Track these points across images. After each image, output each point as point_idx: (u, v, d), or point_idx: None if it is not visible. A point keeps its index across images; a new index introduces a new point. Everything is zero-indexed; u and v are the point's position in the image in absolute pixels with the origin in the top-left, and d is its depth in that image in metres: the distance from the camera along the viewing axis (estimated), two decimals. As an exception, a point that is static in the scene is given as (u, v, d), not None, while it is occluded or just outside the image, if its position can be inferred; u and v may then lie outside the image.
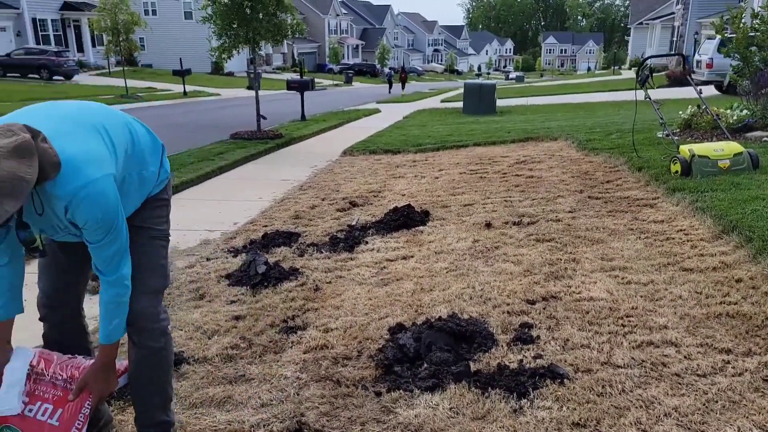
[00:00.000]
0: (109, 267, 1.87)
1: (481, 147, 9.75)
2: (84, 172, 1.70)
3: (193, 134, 12.35)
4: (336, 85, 40.50)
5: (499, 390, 2.51)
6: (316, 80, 21.68)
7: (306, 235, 5.10)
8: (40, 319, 2.17)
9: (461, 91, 20.64)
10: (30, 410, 1.90)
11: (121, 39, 21.31)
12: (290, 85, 15.42)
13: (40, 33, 32.34)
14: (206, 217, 5.92)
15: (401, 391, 2.58)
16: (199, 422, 2.42)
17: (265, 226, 5.51)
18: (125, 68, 24.37)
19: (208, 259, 4.60)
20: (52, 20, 33.13)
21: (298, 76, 18.91)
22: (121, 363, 2.10)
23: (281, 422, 2.40)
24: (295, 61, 50.82)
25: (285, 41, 12.22)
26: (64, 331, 2.17)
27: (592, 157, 7.54)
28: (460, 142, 10.29)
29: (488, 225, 4.96)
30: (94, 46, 35.45)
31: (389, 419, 2.40)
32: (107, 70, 31.73)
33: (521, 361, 2.75)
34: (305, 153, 10.39)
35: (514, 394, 2.48)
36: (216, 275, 4.20)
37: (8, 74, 27.48)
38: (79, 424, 1.90)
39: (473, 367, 2.73)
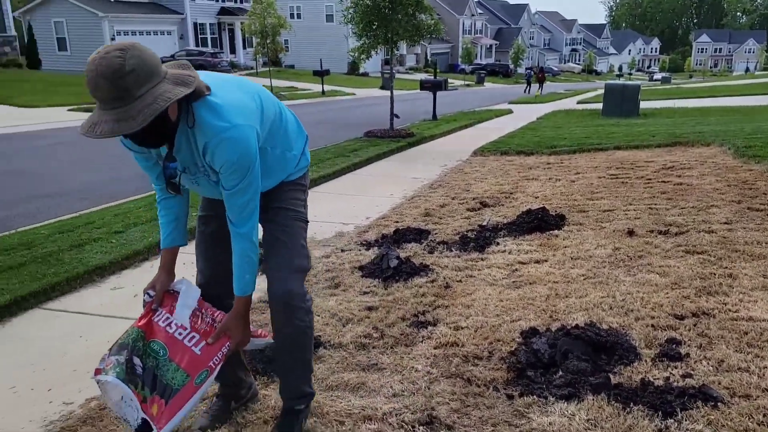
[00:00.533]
0: (240, 216, 1.94)
1: (622, 151, 9.22)
2: (230, 116, 1.82)
3: (330, 131, 12.86)
4: (467, 85, 40.27)
5: (642, 407, 2.36)
6: (449, 80, 21.68)
7: (436, 233, 5.11)
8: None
9: (600, 92, 19.67)
10: (180, 333, 2.01)
11: (268, 41, 22.73)
12: (423, 85, 15.56)
13: (199, 36, 35.39)
14: (341, 211, 6.14)
15: (535, 396, 2.51)
16: (334, 404, 2.52)
17: (396, 222, 5.60)
18: (271, 69, 25.95)
19: (342, 251, 4.77)
20: (210, 24, 36.12)
21: (431, 77, 19.04)
22: (259, 329, 2.24)
23: (412, 413, 2.43)
24: (427, 61, 51.25)
25: (420, 42, 12.34)
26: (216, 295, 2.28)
27: (752, 165, 6.85)
28: (598, 145, 9.80)
29: (631, 233, 4.68)
30: (244, 48, 38.13)
31: (522, 423, 2.34)
32: (255, 71, 33.99)
33: (668, 378, 2.56)
34: (436, 152, 10.44)
35: (660, 413, 2.32)
36: (350, 266, 4.34)
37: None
38: (216, 360, 2.01)
39: (613, 380, 2.58)
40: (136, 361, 1.92)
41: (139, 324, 2.01)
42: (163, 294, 2.07)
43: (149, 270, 4.25)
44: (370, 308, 3.55)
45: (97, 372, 1.90)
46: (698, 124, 12.10)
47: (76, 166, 8.82)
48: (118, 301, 3.69)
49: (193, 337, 2.01)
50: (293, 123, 2.18)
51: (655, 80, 56.72)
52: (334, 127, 13.38)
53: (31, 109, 16.02)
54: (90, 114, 1.68)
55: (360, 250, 4.75)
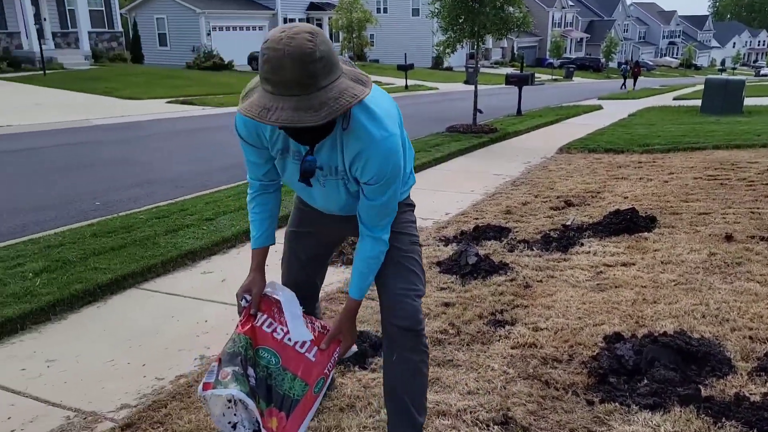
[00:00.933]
0: (380, 224, 1.83)
1: (722, 150, 8.67)
2: (386, 123, 1.69)
3: (412, 126, 12.83)
4: (555, 80, 39.09)
5: (735, 422, 2.22)
6: (536, 75, 21.13)
7: (517, 231, 5.02)
8: None
9: (699, 87, 18.52)
10: (289, 340, 1.90)
11: (354, 36, 23.06)
12: (509, 80, 15.26)
13: (288, 31, 36.42)
14: (420, 206, 6.06)
15: (617, 404, 2.42)
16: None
17: (476, 218, 5.54)
18: (356, 63, 26.29)
19: (420, 246, 4.77)
20: (299, 19, 37.06)
21: (517, 71, 18.63)
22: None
23: (487, 412, 2.40)
24: (514, 55, 50.20)
25: (507, 35, 12.09)
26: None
27: None
28: (696, 143, 9.26)
29: (729, 238, 4.39)
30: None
31: (602, 431, 2.27)
32: (339, 65, 34.50)
33: (766, 395, 2.39)
34: (519, 148, 10.22)
35: (755, 430, 2.17)
36: (428, 261, 4.34)
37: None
38: (330, 366, 1.92)
39: (704, 392, 2.44)
40: (250, 371, 1.81)
41: (243, 330, 1.88)
42: (259, 297, 1.97)
43: (236, 256, 4.43)
44: (446, 304, 3.53)
45: (207, 387, 1.74)
46: (811, 123, 11.16)
47: (172, 156, 9.33)
48: (207, 285, 3.88)
49: (304, 343, 1.91)
50: (405, 138, 1.95)
51: (762, 75, 52.77)
52: (416, 122, 13.37)
53: (133, 101, 17.07)
54: (246, 97, 1.59)
55: (438, 246, 4.74)
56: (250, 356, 1.83)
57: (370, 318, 3.31)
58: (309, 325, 1.97)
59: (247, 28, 34.67)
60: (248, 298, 1.95)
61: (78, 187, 6.88)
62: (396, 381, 2.00)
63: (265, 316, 1.93)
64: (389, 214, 1.85)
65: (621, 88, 29.96)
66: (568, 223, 5.17)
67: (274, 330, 1.90)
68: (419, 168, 8.25)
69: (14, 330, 3.13)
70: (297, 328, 1.92)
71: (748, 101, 16.11)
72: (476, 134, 11.26)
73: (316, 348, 1.92)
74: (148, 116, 14.40)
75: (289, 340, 1.90)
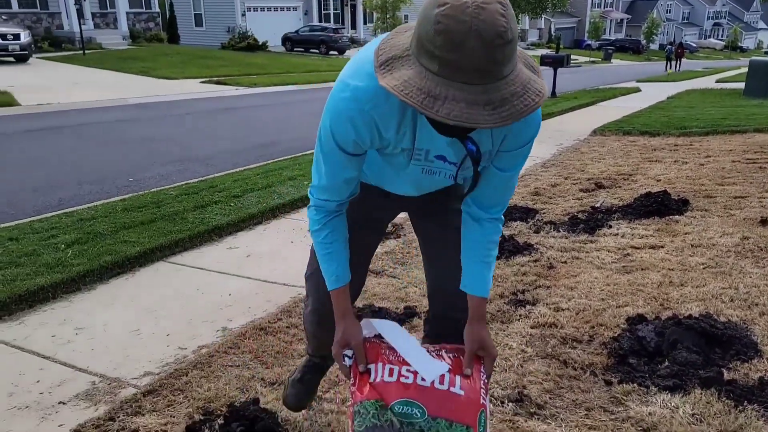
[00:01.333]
0: (504, 198, 1.57)
1: (763, 134, 8.38)
2: None
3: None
4: (593, 62, 38.21)
5: (758, 406, 2.17)
6: (572, 57, 20.66)
7: (544, 213, 4.95)
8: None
9: (743, 70, 17.87)
10: (423, 380, 1.49)
11: (387, 16, 22.88)
12: (544, 60, 14.98)
13: (322, 11, 36.31)
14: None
15: (635, 384, 2.39)
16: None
17: (504, 199, 5.48)
18: (388, 44, 26.13)
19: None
20: (333, 0, 36.89)
21: (553, 52, 18.27)
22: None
23: (503, 389, 2.40)
24: (551, 36, 49.16)
25: (543, 15, 11.82)
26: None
27: None
28: (736, 126, 8.97)
29: (764, 222, 4.26)
30: (365, 23, 38.63)
31: (618, 411, 2.24)
32: (373, 46, 34.33)
33: (791, 380, 2.33)
34: (552, 130, 10.04)
35: (777, 416, 2.12)
36: (452, 241, 4.32)
37: (294, 49, 31.48)
38: (483, 393, 1.52)
39: (726, 375, 2.39)
40: None
41: (364, 395, 1.48)
42: (363, 347, 1.54)
43: (262, 233, 4.49)
44: (469, 283, 3.52)
45: None
46: None
47: (204, 135, 9.46)
48: (232, 260, 3.94)
49: (443, 377, 1.49)
50: None
51: (813, 57, 50.58)
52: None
53: (168, 80, 17.32)
54: (388, 69, 1.18)
55: (464, 226, 4.71)
56: (388, 420, 1.45)
57: (390, 295, 3.33)
58: (435, 353, 1.56)
59: (282, 9, 34.70)
60: (350, 354, 1.54)
61: (113, 164, 7.04)
62: None
63: (380, 364, 1.51)
64: (514, 187, 1.59)
65: (666, 70, 29.09)
66: (597, 205, 5.08)
67: (400, 376, 1.49)
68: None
69: (46, 298, 3.24)
70: (424, 363, 1.51)
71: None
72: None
73: (459, 378, 1.50)
74: (182, 96, 14.60)
75: (423, 380, 1.48)
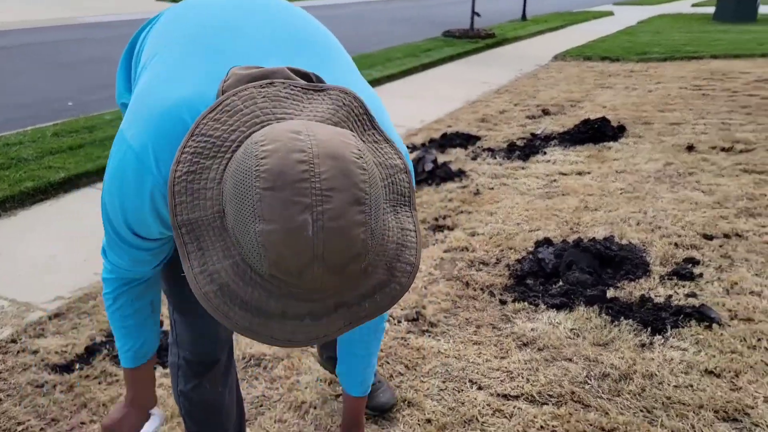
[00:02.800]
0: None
1: (719, 60, 8.39)
2: None
3: (408, 30, 12.46)
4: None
5: (632, 321, 2.32)
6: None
7: (486, 139, 4.99)
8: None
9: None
10: None
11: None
12: (513, -18, 14.55)
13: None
14: (396, 113, 6.04)
15: (526, 303, 2.52)
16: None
17: (449, 126, 5.49)
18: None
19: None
20: None
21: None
22: None
23: (402, 310, 2.51)
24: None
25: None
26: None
27: None
28: (695, 53, 8.94)
29: (690, 148, 4.35)
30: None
31: (505, 327, 2.37)
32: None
33: (670, 297, 2.47)
34: (514, 56, 9.93)
35: (649, 329, 2.27)
36: (387, 167, 4.36)
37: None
38: None
39: (612, 293, 2.53)
40: None
41: None
42: None
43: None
44: (393, 208, 3.59)
45: None
46: (822, 32, 10.69)
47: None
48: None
49: None
50: None
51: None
52: (413, 26, 12.96)
53: None
54: (203, 271, 0.79)
55: (403, 152, 4.74)
56: None
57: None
58: None
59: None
60: None
61: (55, 87, 6.84)
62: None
63: None
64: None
65: None
66: (538, 132, 5.13)
67: None
68: (406, 73, 8.09)
69: (-35, 226, 3.25)
70: None
71: (766, 8, 15.35)
72: (472, 39, 10.91)
73: None
74: (139, 14, 14.00)
75: None
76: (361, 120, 0.89)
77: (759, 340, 2.15)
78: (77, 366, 2.13)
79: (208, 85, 0.93)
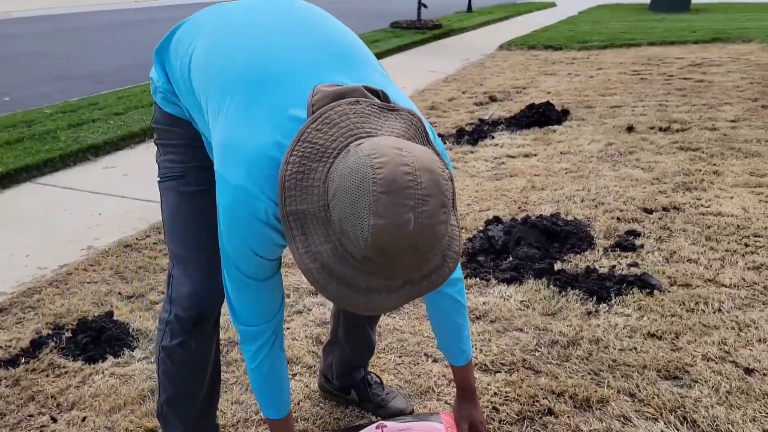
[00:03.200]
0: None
1: (655, 47, 8.72)
2: None
3: (356, 22, 12.43)
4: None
5: (578, 291, 2.40)
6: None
7: (435, 126, 5.05)
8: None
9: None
10: None
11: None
12: (458, -27, 14.73)
13: None
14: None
15: (478, 278, 2.57)
16: (285, 279, 2.61)
17: (399, 113, 5.53)
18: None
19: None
20: None
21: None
22: None
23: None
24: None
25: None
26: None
27: (786, 63, 6.41)
28: (632, 40, 9.27)
29: (630, 129, 4.52)
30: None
31: (458, 302, 2.41)
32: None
33: (613, 267, 2.57)
34: (461, 46, 10.06)
35: (594, 298, 2.35)
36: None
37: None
38: None
39: (560, 266, 2.61)
40: None
41: None
42: None
43: (144, 152, 4.36)
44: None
45: None
46: (749, 20, 11.23)
47: (96, 50, 8.87)
48: (107, 180, 3.84)
49: None
50: None
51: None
52: (360, 18, 12.93)
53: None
54: (308, 251, 0.99)
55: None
56: None
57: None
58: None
59: None
60: None
61: (-11, 84, 6.54)
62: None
63: None
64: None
65: None
66: (486, 117, 5.22)
67: None
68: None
69: None
70: None
71: (697, -2, 16.03)
72: (419, 30, 10.99)
73: None
74: (76, 8, 13.50)
75: None
76: (423, 136, 1.09)
77: (696, 303, 2.27)
78: (23, 360, 2.06)
79: (276, 127, 1.09)
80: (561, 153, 4.13)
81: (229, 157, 1.10)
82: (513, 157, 4.16)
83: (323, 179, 0.98)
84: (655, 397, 1.80)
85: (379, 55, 8.75)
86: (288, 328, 2.27)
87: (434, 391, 1.90)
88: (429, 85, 6.94)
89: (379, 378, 1.89)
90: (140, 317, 2.31)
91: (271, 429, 1.39)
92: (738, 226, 2.84)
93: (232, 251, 1.15)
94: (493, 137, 4.65)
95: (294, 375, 1.99)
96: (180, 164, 1.40)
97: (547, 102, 5.22)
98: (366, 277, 0.97)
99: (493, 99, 5.94)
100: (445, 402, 1.85)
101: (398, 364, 2.05)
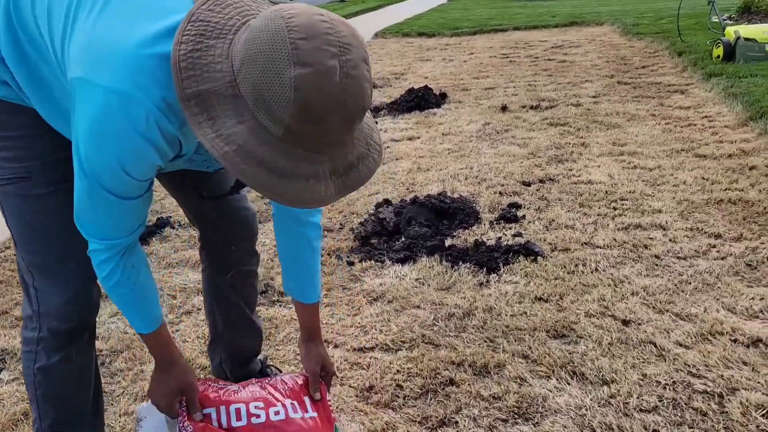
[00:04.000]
0: None
1: (520, 31, 9.20)
2: None
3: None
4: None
5: (469, 264, 2.47)
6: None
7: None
8: None
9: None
10: (275, 413, 1.32)
11: None
12: (328, -37, 14.68)
13: None
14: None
15: (373, 261, 2.57)
16: (171, 280, 2.49)
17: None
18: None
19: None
20: None
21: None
22: None
23: (249, 284, 2.44)
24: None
25: None
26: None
27: (634, 42, 7.01)
28: (499, 26, 9.72)
29: (504, 108, 4.73)
30: None
31: (355, 287, 2.41)
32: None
33: (500, 238, 2.68)
34: (337, 35, 10.05)
35: (484, 269, 2.44)
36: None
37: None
38: (329, 405, 1.41)
39: (450, 242, 2.68)
40: None
41: None
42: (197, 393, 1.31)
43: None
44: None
45: None
46: (600, 5, 12.17)
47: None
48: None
49: (291, 405, 1.34)
50: None
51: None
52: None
53: None
54: (220, 135, 0.89)
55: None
56: None
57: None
58: (272, 387, 1.39)
59: None
60: (184, 405, 1.29)
61: None
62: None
63: (222, 408, 1.31)
64: None
65: None
66: (367, 104, 5.24)
67: (250, 416, 1.30)
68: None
69: None
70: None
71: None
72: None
73: (307, 399, 1.37)
74: None
75: (276, 413, 1.31)
76: None
77: (576, 265, 2.41)
78: None
79: (156, 18, 0.96)
80: (443, 134, 4.24)
81: (99, 57, 0.94)
82: (397, 140, 4.21)
83: (225, 54, 0.89)
84: (547, 356, 1.89)
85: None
86: (177, 330, 2.15)
87: (337, 376, 1.88)
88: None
89: (279, 369, 1.84)
90: (5, 335, 2.09)
91: (147, 343, 1.29)
92: (606, 192, 3.06)
93: (99, 168, 0.99)
94: (376, 123, 4.67)
95: (189, 378, 1.89)
96: (21, 163, 1.17)
97: (426, 87, 5.35)
98: (289, 159, 0.88)
99: (373, 86, 5.98)
100: (349, 386, 1.83)
101: (298, 354, 2.00)
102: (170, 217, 3.08)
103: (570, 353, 1.91)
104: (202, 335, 2.10)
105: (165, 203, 3.27)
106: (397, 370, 1.88)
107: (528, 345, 1.96)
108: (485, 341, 2.01)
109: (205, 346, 2.03)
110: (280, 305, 2.31)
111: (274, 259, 2.64)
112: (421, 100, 5.06)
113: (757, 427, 1.57)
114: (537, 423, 1.64)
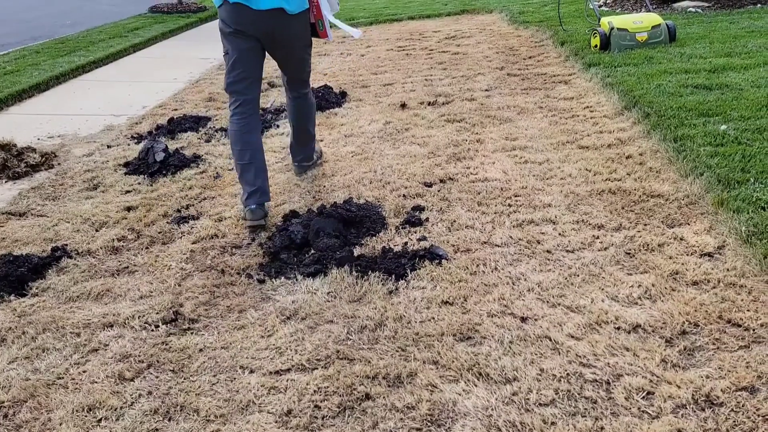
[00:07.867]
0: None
1: (414, 21, 9.34)
2: None
3: (109, 7, 11.39)
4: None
5: (378, 273, 2.55)
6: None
7: (216, 119, 4.90)
8: None
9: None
10: None
11: None
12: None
13: None
14: (113, 101, 5.59)
15: (284, 278, 2.60)
16: (73, 316, 2.40)
17: (175, 109, 5.26)
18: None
19: (108, 147, 4.40)
20: None
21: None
22: None
23: (157, 313, 2.40)
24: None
25: None
26: None
27: (521, 32, 7.33)
28: (394, 15, 9.81)
29: (403, 106, 4.84)
30: None
31: (267, 306, 2.43)
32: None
33: (406, 243, 2.78)
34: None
35: (393, 276, 2.53)
36: (114, 163, 4.03)
37: None
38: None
39: (359, 251, 2.75)
40: None
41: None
42: None
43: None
44: (129, 208, 3.36)
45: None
46: (489, -9, 12.55)
47: None
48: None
49: None
50: None
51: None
52: (113, 3, 11.86)
53: None
54: None
55: (129, 145, 4.42)
56: None
57: (36, 237, 3.00)
58: None
59: None
60: None
61: None
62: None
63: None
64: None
65: None
66: (268, 105, 5.18)
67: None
68: (116, 56, 7.44)
69: None
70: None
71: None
72: (182, 14, 10.43)
73: None
74: None
75: None
76: None
77: (477, 266, 2.56)
78: None
79: None
80: (345, 136, 4.28)
81: None
82: (300, 145, 4.20)
83: None
84: (455, 360, 2.02)
85: (143, 45, 8.17)
86: (84, 372, 2.09)
87: (255, 404, 1.91)
88: (203, 75, 6.69)
89: None
90: None
91: None
92: (501, 188, 3.24)
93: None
94: (278, 126, 4.65)
95: (99, 420, 1.85)
96: None
97: (326, 85, 5.36)
98: None
99: (272, 85, 5.90)
100: (268, 412, 1.87)
101: (214, 384, 2.01)
102: (66, 245, 2.95)
103: (476, 355, 2.04)
104: (111, 374, 2.06)
105: (59, 229, 3.12)
106: (314, 391, 1.94)
107: (437, 351, 2.08)
108: (397, 351, 2.10)
109: (116, 386, 1.99)
110: (192, 333, 2.29)
111: (182, 283, 2.60)
112: (321, 100, 5.06)
113: (639, 409, 1.77)
114: (449, 428, 1.76)
